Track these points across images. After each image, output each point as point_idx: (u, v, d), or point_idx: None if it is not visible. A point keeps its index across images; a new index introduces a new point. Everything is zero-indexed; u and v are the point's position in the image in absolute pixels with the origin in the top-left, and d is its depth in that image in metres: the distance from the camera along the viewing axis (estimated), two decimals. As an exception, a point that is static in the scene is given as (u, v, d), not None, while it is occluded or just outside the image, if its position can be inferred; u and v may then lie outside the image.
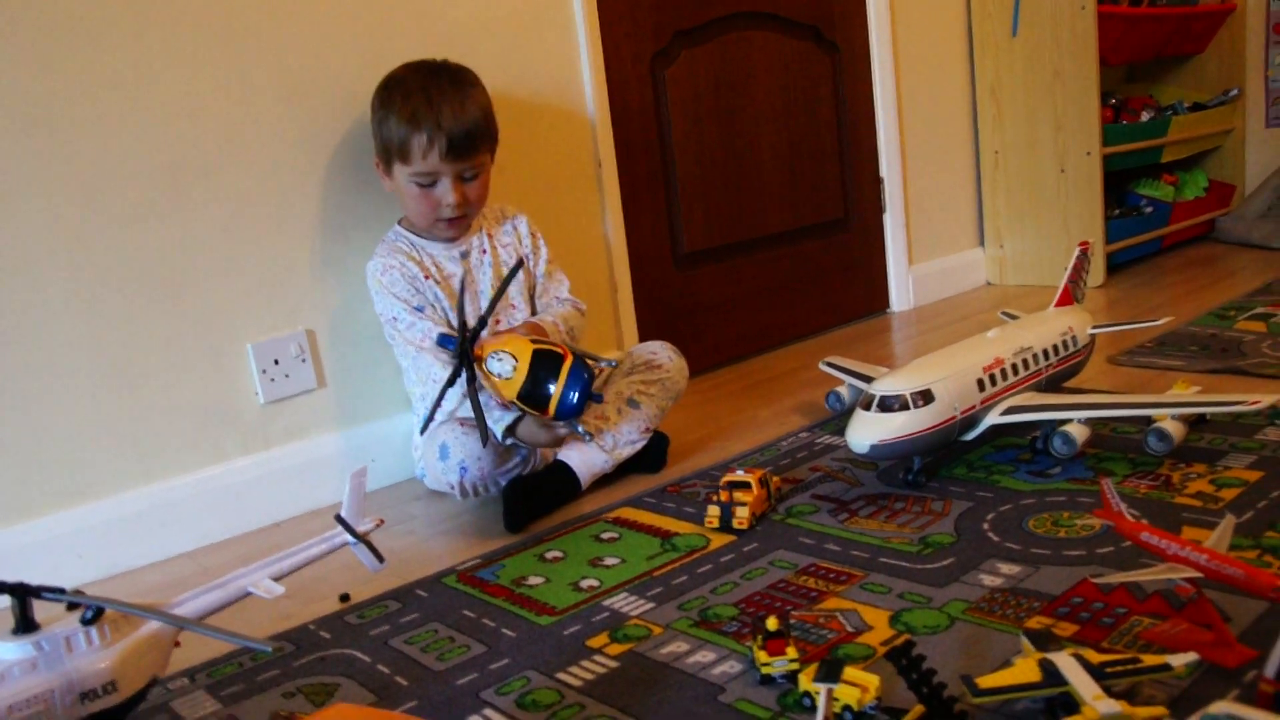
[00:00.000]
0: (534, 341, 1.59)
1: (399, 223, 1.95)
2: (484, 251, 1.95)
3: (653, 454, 1.91)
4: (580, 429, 1.65)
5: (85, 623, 1.03)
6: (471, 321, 1.60)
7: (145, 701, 1.14)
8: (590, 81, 2.31)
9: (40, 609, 1.03)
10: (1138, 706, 0.95)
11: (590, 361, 1.62)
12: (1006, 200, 3.21)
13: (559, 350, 1.58)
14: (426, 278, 1.88)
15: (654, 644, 1.24)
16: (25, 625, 1.02)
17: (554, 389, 1.55)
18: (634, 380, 1.92)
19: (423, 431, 1.76)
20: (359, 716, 0.87)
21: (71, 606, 1.05)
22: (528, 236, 2.00)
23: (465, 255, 1.93)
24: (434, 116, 1.77)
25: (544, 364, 1.56)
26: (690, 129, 2.57)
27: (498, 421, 1.69)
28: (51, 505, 1.72)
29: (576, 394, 1.55)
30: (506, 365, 1.56)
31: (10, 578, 1.03)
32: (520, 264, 1.81)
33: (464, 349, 1.55)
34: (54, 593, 1.02)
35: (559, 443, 1.79)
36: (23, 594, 1.02)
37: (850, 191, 2.97)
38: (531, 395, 1.56)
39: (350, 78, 1.95)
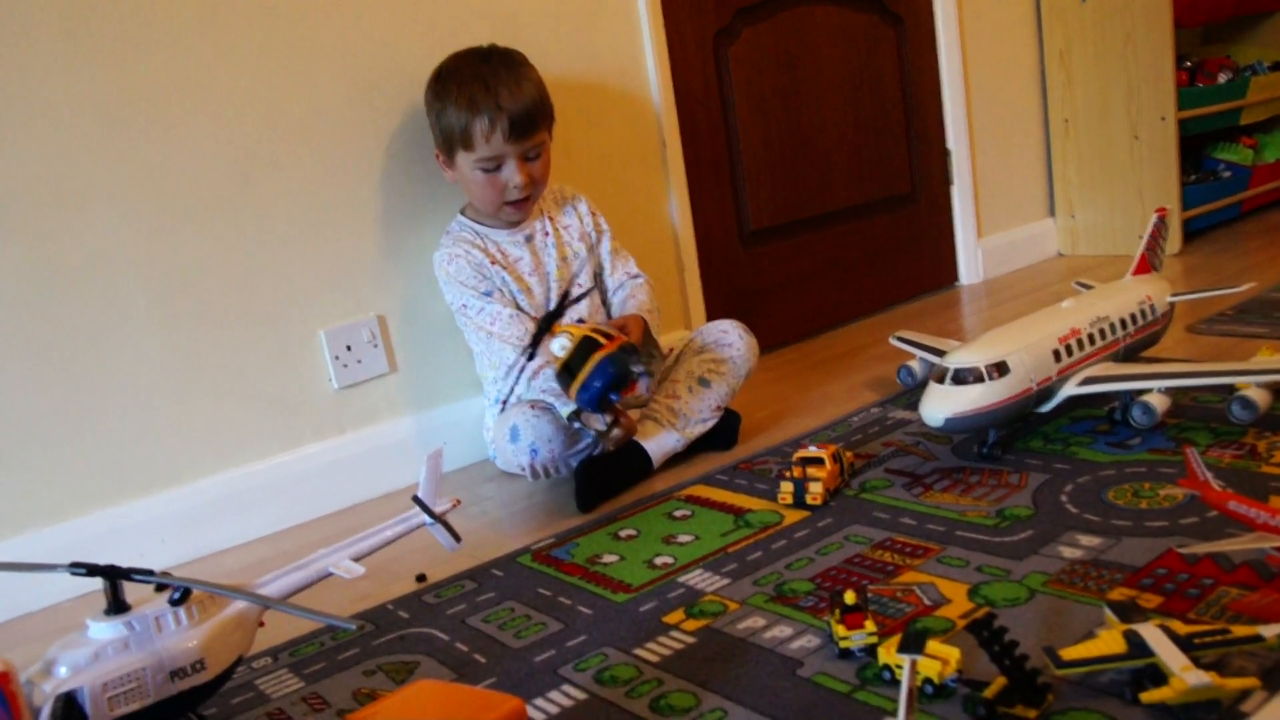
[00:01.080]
0: (594, 329, 1.59)
1: (461, 212, 1.96)
2: (546, 234, 1.96)
3: (725, 432, 1.91)
4: (603, 423, 1.65)
5: (173, 603, 1.06)
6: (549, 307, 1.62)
7: (232, 680, 1.17)
8: (653, 63, 2.30)
9: (130, 591, 1.06)
10: (1228, 678, 0.93)
11: (645, 360, 1.60)
12: (1078, 169, 3.15)
13: (603, 339, 1.57)
14: (493, 263, 1.89)
15: (730, 619, 1.24)
16: (117, 606, 1.04)
17: (580, 375, 1.56)
18: (705, 359, 1.91)
19: (502, 405, 1.77)
20: (442, 692, 0.88)
21: (160, 588, 1.08)
22: (588, 216, 2.02)
23: (529, 239, 1.94)
24: (493, 99, 1.78)
25: (582, 349, 1.56)
26: (754, 107, 2.55)
27: (566, 405, 1.70)
28: (135, 493, 1.77)
29: (600, 383, 1.54)
30: (561, 345, 1.58)
31: (100, 562, 1.05)
32: (591, 290, 1.85)
33: (540, 327, 1.57)
34: (143, 574, 1.04)
35: (623, 438, 1.79)
36: (114, 576, 1.04)
37: (917, 165, 2.93)
38: (562, 378, 1.58)
39: (415, 68, 1.96)
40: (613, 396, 1.56)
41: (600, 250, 2.01)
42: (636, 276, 2.01)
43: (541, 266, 1.94)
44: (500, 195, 1.85)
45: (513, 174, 1.83)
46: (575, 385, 1.56)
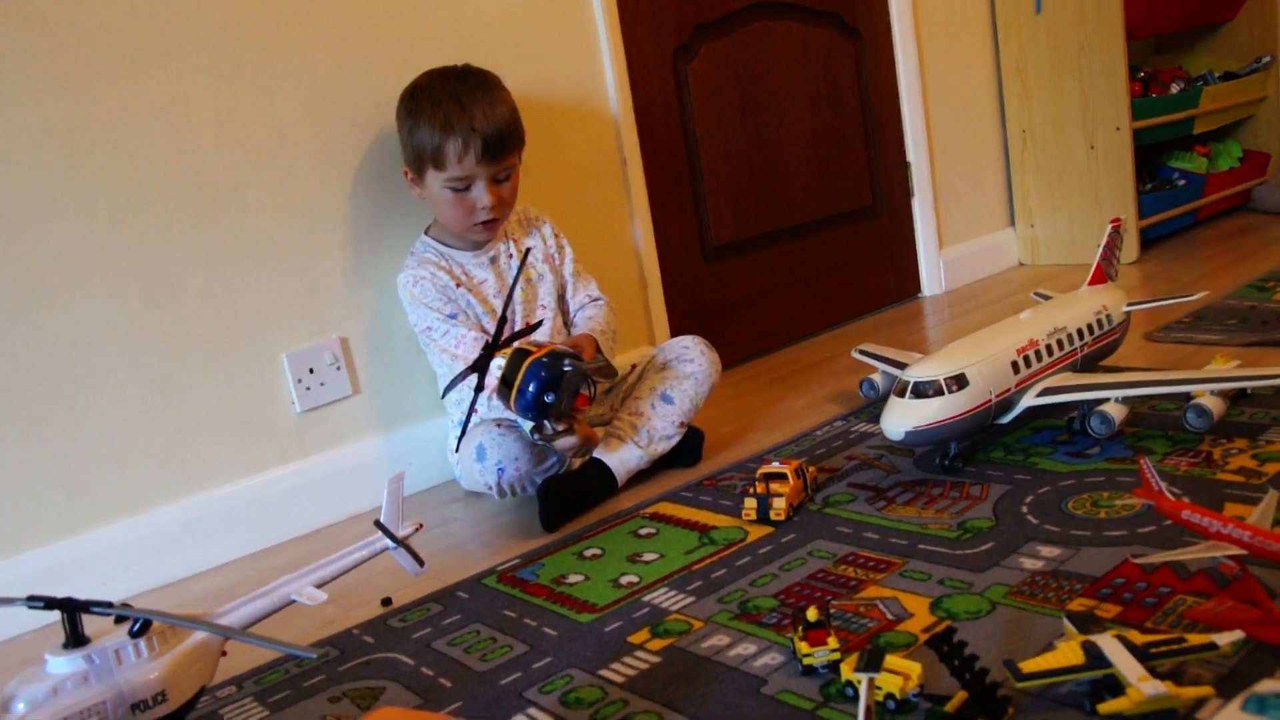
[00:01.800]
0: (524, 343, 1.61)
1: (426, 233, 1.96)
2: (510, 256, 1.97)
3: (688, 449, 1.92)
4: (548, 427, 1.65)
5: (134, 635, 1.05)
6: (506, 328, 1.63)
7: (195, 710, 1.16)
8: (613, 80, 2.31)
9: (89, 623, 1.05)
10: (1184, 687, 0.94)
11: (583, 364, 1.61)
12: (1036, 179, 3.19)
13: (532, 348, 1.58)
14: (458, 285, 1.89)
15: (695, 638, 1.25)
16: (76, 639, 1.03)
17: (514, 384, 1.57)
18: (667, 375, 1.92)
19: (459, 442, 1.78)
20: (405, 719, 0.88)
21: (119, 619, 1.07)
22: (552, 238, 2.02)
23: (494, 261, 1.95)
24: (467, 120, 1.78)
25: (514, 361, 1.57)
26: (714, 123, 2.56)
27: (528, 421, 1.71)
28: (98, 520, 1.75)
29: (532, 386, 1.55)
30: (497, 365, 1.59)
31: (62, 592, 1.04)
32: (525, 257, 1.84)
33: (484, 355, 1.58)
34: (102, 606, 1.03)
35: (583, 449, 1.79)
36: (71, 609, 1.03)
37: (877, 177, 2.96)
38: (502, 392, 1.59)
39: (375, 88, 1.96)
40: (548, 398, 1.56)
41: (563, 271, 2.01)
42: (598, 299, 2.02)
43: (505, 288, 1.94)
44: (469, 216, 1.85)
45: (482, 195, 1.83)
46: (512, 395, 1.57)
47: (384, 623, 1.46)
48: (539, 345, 1.60)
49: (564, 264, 2.02)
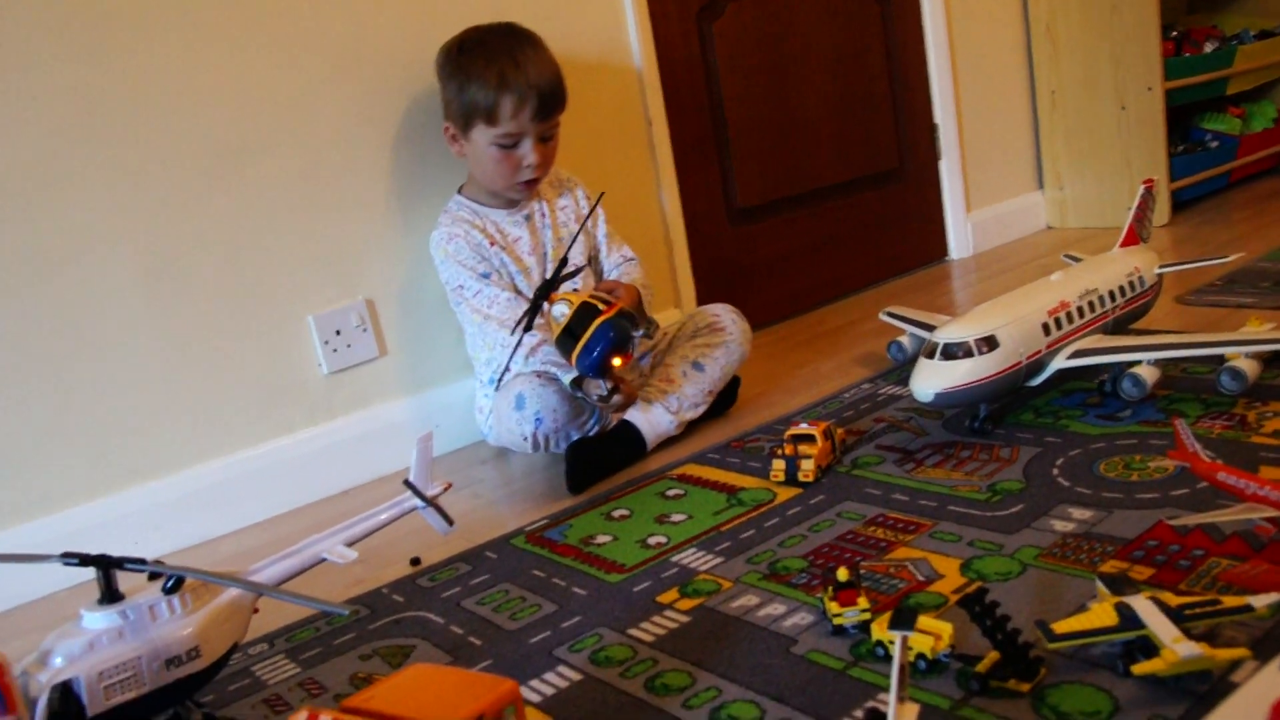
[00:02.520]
0: (592, 295, 1.58)
1: (459, 191, 1.95)
2: (544, 215, 1.97)
3: (722, 395, 1.93)
4: (604, 388, 1.64)
5: (167, 592, 1.06)
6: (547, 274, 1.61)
7: (228, 666, 1.17)
8: (637, 39, 2.29)
9: (123, 580, 1.06)
10: (1219, 649, 0.93)
11: (637, 326, 1.60)
12: (1065, 141, 3.15)
13: (602, 305, 1.56)
14: (492, 244, 1.89)
15: (724, 598, 1.25)
16: (110, 595, 1.04)
17: (582, 339, 1.55)
18: (698, 343, 1.91)
19: (498, 384, 1.78)
20: (437, 676, 0.88)
21: (153, 576, 1.08)
22: (583, 199, 2.02)
23: (528, 219, 1.95)
24: (524, 77, 1.78)
25: (581, 315, 1.55)
26: (740, 83, 2.54)
27: (568, 373, 1.70)
28: (128, 481, 1.76)
29: (601, 348, 1.52)
30: (560, 311, 1.57)
31: (92, 552, 1.05)
32: (597, 203, 1.83)
33: (537, 297, 1.58)
34: (136, 563, 1.04)
35: (623, 410, 1.79)
36: (106, 565, 1.04)
37: (904, 140, 2.93)
38: (564, 342, 1.56)
39: (398, 47, 1.95)
40: (615, 361, 1.54)
41: (596, 234, 2.02)
42: (632, 259, 2.02)
43: (540, 246, 1.94)
44: (513, 174, 1.85)
45: (529, 152, 1.83)
46: (577, 350, 1.54)
47: (413, 582, 1.46)
48: (607, 303, 1.56)
49: (597, 227, 2.02)
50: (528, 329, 1.59)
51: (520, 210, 1.94)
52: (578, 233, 1.75)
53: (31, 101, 1.63)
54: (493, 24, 1.87)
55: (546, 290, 1.57)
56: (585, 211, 2.01)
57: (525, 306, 1.82)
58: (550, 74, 1.82)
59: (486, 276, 1.87)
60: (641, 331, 1.57)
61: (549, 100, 1.81)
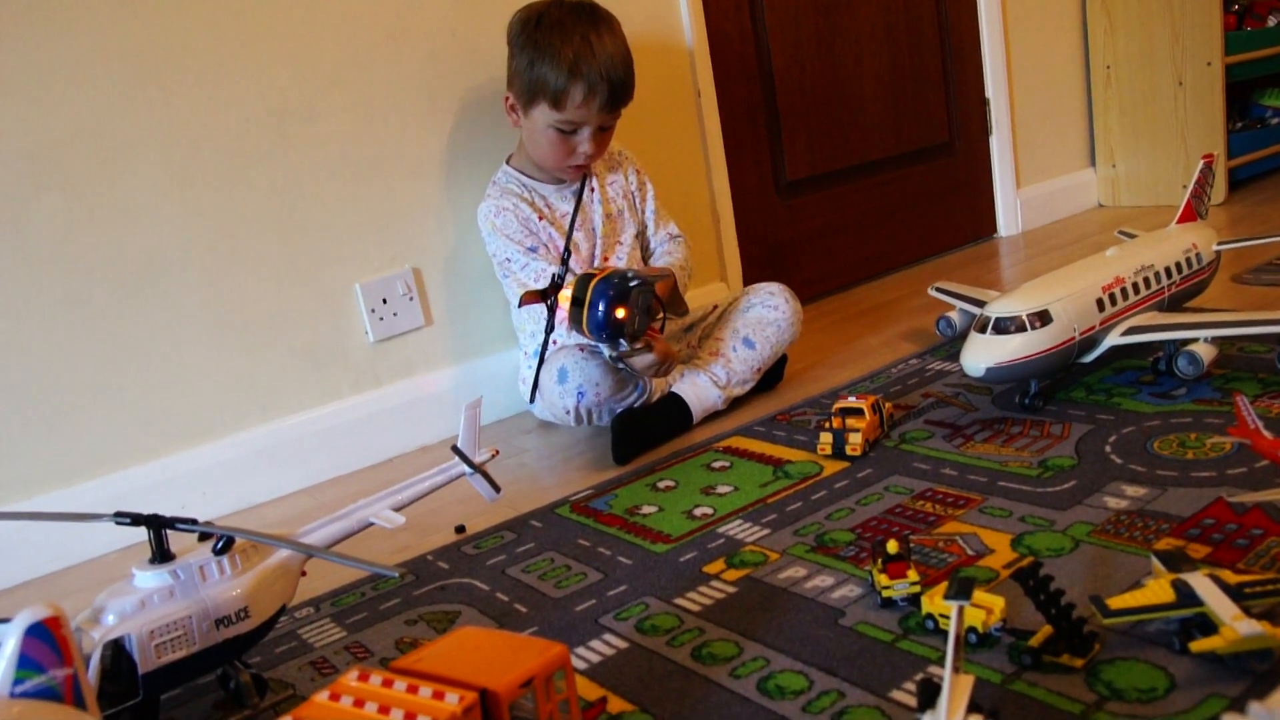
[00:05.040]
0: (588, 269, 1.61)
1: (507, 162, 1.94)
2: (593, 191, 1.95)
3: (769, 372, 1.92)
4: (623, 345, 1.64)
5: (217, 552, 1.06)
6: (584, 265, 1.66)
7: (275, 629, 1.18)
8: (687, 8, 2.27)
9: (174, 541, 1.07)
10: (1279, 628, 0.91)
11: (649, 279, 1.62)
12: (1119, 117, 3.09)
13: (594, 272, 1.59)
14: (540, 219, 1.88)
15: (771, 569, 1.24)
16: (162, 555, 1.05)
17: (584, 304, 1.58)
18: (750, 320, 1.90)
19: (541, 356, 1.80)
20: (487, 638, 0.88)
21: (203, 537, 1.08)
22: (634, 175, 2.01)
23: (577, 193, 1.94)
24: (599, 68, 1.75)
25: (582, 283, 1.59)
26: (790, 54, 2.51)
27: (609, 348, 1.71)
28: (175, 446, 1.78)
29: (602, 303, 1.56)
30: (567, 293, 1.60)
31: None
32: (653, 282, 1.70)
33: (550, 288, 1.65)
34: (187, 523, 1.05)
35: (663, 370, 1.77)
36: (157, 525, 1.05)
37: (955, 114, 2.89)
38: (574, 314, 1.59)
39: (450, 16, 1.95)
40: (619, 314, 1.56)
41: (644, 211, 2.01)
42: (677, 237, 2.01)
43: (589, 222, 1.94)
44: (566, 158, 1.84)
45: (584, 142, 1.82)
46: (584, 316, 1.58)
47: (458, 549, 1.47)
48: (601, 269, 1.61)
49: (645, 202, 2.01)
50: (550, 324, 1.61)
51: (569, 186, 1.93)
52: (572, 222, 1.76)
53: (83, 68, 1.64)
54: (573, 2, 1.82)
55: (558, 285, 1.64)
56: (634, 188, 2.00)
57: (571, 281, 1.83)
58: (623, 65, 1.79)
59: (534, 250, 1.86)
60: (636, 281, 1.57)
61: (619, 93, 1.79)
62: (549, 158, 1.86)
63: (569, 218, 1.91)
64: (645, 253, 2.01)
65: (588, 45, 1.75)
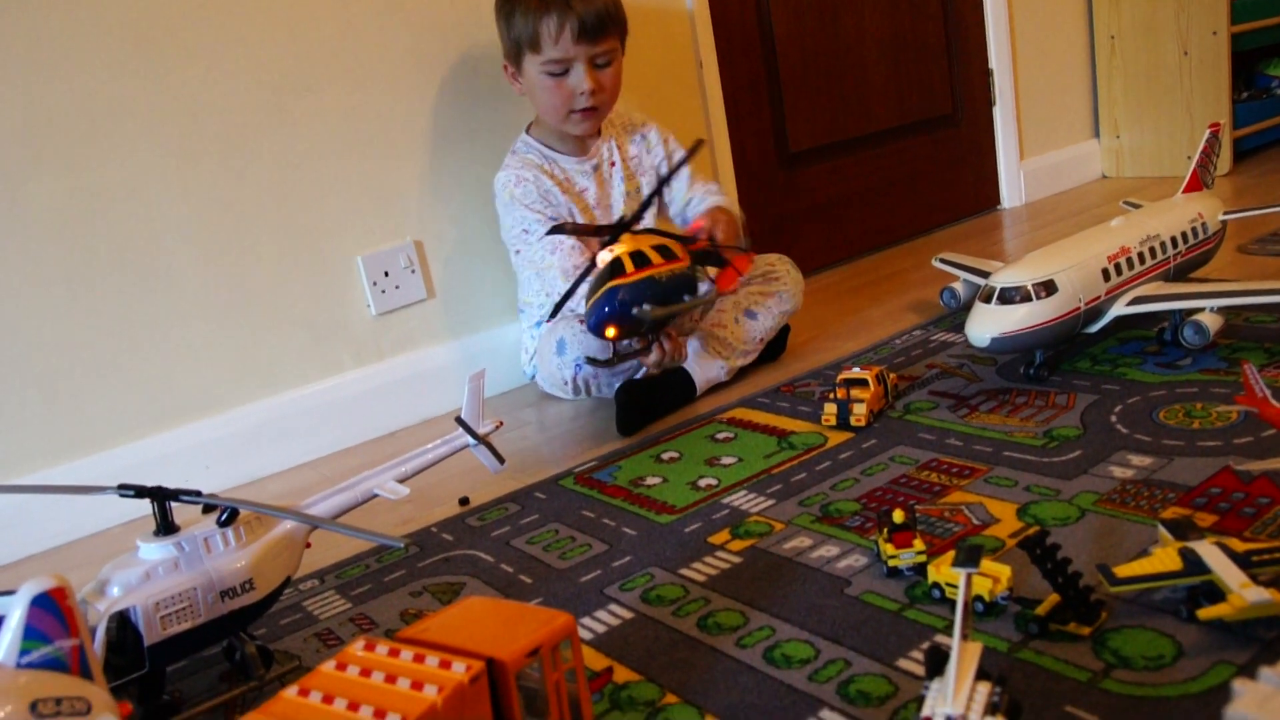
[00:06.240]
0: (652, 246, 1.54)
1: (527, 131, 1.93)
2: (613, 164, 1.94)
3: (772, 343, 1.91)
4: (633, 344, 1.63)
5: (221, 524, 1.06)
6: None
7: (280, 601, 1.18)
8: (689, -22, 2.25)
9: (179, 514, 1.06)
10: (1287, 595, 0.91)
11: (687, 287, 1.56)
12: (1124, 88, 3.07)
13: (630, 267, 1.50)
14: (563, 192, 1.86)
15: (776, 539, 1.24)
16: (166, 527, 1.05)
17: (592, 298, 1.53)
18: (752, 291, 1.89)
19: (552, 316, 1.75)
20: (493, 608, 0.88)
21: (207, 509, 1.08)
22: (659, 145, 1.98)
23: (597, 169, 1.92)
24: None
25: (607, 271, 1.51)
26: (792, 24, 2.50)
27: None
28: (178, 419, 1.78)
29: (595, 318, 1.51)
30: (601, 259, 1.54)
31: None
32: (695, 149, 1.69)
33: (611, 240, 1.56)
34: (191, 495, 1.04)
35: (667, 363, 1.75)
36: (161, 497, 1.04)
37: (958, 85, 2.87)
38: (590, 295, 1.54)
39: (448, -15, 1.93)
40: (608, 332, 1.51)
41: (674, 182, 1.97)
42: (718, 190, 1.99)
43: (607, 198, 1.92)
44: (568, 103, 1.80)
45: (580, 80, 1.78)
46: (588, 306, 1.54)
47: (462, 521, 1.46)
48: (642, 264, 1.51)
49: (683, 171, 1.96)
50: (567, 293, 1.57)
51: (589, 159, 1.91)
52: (650, 197, 1.63)
53: (79, 38, 1.63)
54: None
55: (622, 230, 1.55)
56: (659, 159, 1.97)
57: (585, 255, 1.81)
58: None
59: (554, 221, 1.85)
60: (639, 312, 1.50)
61: (592, 21, 1.74)
62: (552, 109, 1.83)
63: (589, 193, 1.90)
64: (677, 217, 1.99)
65: None
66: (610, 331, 1.51)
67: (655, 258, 1.53)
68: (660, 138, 1.98)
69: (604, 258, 1.54)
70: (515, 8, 1.77)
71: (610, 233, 1.57)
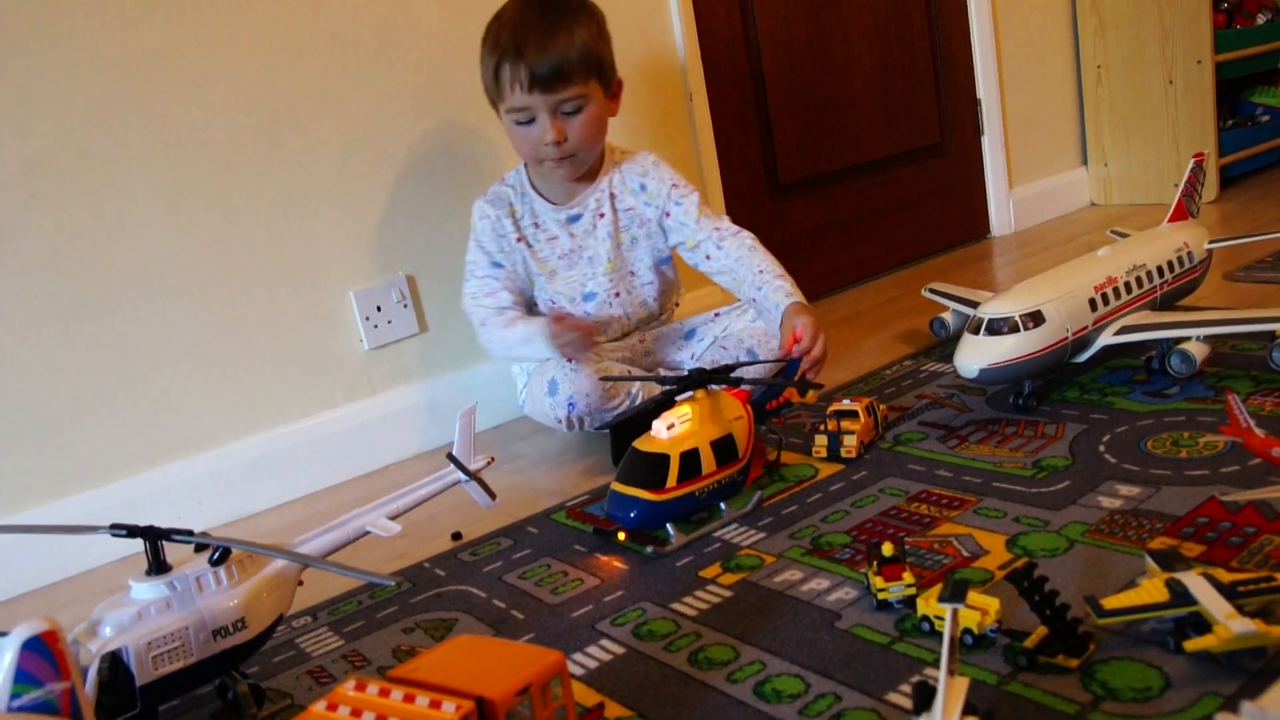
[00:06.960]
0: (712, 444, 1.39)
1: (526, 164, 1.89)
2: (601, 215, 1.86)
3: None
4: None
5: (213, 563, 1.06)
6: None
7: (273, 638, 1.18)
8: (677, 10, 2.27)
9: (171, 552, 1.07)
10: (1273, 626, 0.92)
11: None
12: (1110, 116, 3.10)
13: (674, 484, 1.35)
14: (518, 240, 1.85)
15: (767, 573, 1.24)
16: (158, 567, 1.05)
17: (617, 486, 1.38)
18: (755, 330, 1.86)
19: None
20: (483, 646, 0.88)
21: (199, 548, 1.08)
22: (660, 195, 1.86)
23: (576, 219, 1.86)
24: (514, 46, 1.67)
25: (645, 457, 1.37)
26: (781, 56, 2.52)
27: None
28: (170, 456, 1.78)
29: (611, 512, 1.37)
30: (658, 428, 1.40)
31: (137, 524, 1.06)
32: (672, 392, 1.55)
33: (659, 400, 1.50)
34: (183, 534, 1.05)
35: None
36: (154, 537, 1.05)
37: (946, 115, 2.89)
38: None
39: (439, 25, 1.95)
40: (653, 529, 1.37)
41: (684, 220, 1.86)
42: (738, 233, 1.85)
43: (579, 252, 1.86)
44: (536, 151, 1.76)
45: (545, 130, 1.71)
46: (611, 488, 1.40)
47: (455, 556, 1.47)
48: (689, 471, 1.36)
49: (687, 211, 1.86)
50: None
51: (570, 208, 1.86)
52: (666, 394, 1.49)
53: (71, 76, 1.64)
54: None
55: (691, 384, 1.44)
56: (659, 201, 1.86)
57: (515, 312, 1.81)
58: (556, 43, 1.66)
59: (498, 266, 1.84)
60: (730, 507, 1.41)
61: (545, 70, 1.66)
62: (525, 155, 1.82)
63: (557, 243, 1.86)
64: (663, 282, 1.94)
65: (512, 28, 1.69)
66: (620, 535, 1.41)
67: (708, 463, 1.38)
68: (663, 187, 1.87)
69: (658, 430, 1.39)
70: (484, 51, 1.73)
71: (676, 384, 1.47)
